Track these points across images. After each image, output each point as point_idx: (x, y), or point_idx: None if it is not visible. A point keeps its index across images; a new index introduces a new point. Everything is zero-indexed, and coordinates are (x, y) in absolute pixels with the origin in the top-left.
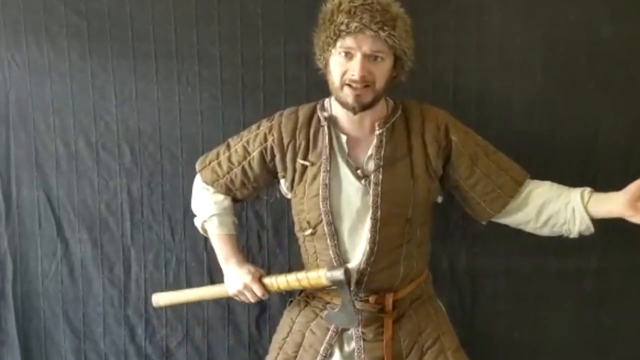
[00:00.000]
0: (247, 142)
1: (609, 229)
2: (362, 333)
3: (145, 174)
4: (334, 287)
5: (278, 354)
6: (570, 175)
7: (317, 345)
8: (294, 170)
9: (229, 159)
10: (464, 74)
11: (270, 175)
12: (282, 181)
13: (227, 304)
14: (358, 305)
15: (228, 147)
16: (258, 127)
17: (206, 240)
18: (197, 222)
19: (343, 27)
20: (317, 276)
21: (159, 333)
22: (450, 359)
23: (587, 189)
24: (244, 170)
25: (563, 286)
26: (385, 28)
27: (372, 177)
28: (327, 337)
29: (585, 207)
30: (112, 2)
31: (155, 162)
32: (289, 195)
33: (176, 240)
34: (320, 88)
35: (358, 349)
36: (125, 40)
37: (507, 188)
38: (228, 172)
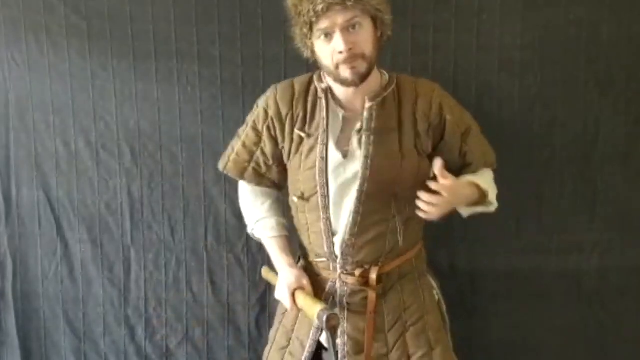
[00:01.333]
0: (254, 123)
1: (608, 229)
2: (347, 304)
3: (145, 174)
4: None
5: (279, 328)
6: (570, 175)
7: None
8: (292, 140)
9: (244, 146)
10: (463, 73)
11: (281, 152)
12: (281, 149)
13: (227, 303)
14: (343, 277)
15: (239, 136)
16: (257, 106)
17: (206, 240)
18: (248, 230)
19: (312, 14)
20: (313, 308)
21: (159, 333)
22: (431, 339)
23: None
24: (262, 151)
25: (563, 286)
26: None
27: (362, 148)
28: None
29: None
30: (112, 2)
31: (155, 162)
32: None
33: (176, 240)
34: None
35: (341, 318)
36: (125, 40)
37: (477, 164)
38: (250, 159)
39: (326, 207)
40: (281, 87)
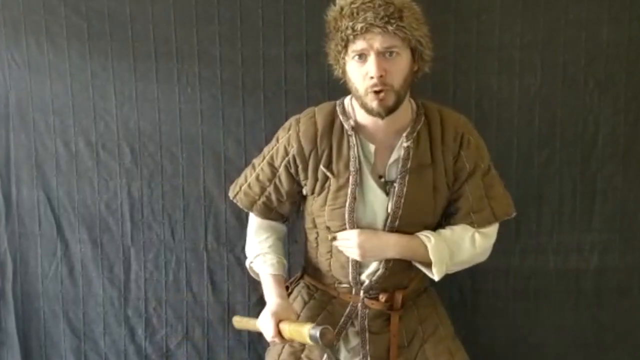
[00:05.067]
0: (271, 158)
1: (608, 229)
2: (368, 326)
3: (145, 174)
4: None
5: (284, 347)
6: (569, 175)
7: None
8: (316, 178)
9: (258, 179)
10: (463, 73)
11: (298, 186)
12: (303, 186)
13: (227, 303)
14: (367, 302)
15: (253, 167)
16: (277, 140)
17: (206, 240)
18: (247, 263)
19: (349, 31)
20: (302, 333)
21: (159, 333)
22: (450, 346)
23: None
24: (276, 187)
25: (563, 285)
26: (392, 21)
27: (396, 187)
28: (335, 332)
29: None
30: (112, 2)
31: (155, 162)
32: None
33: (176, 240)
34: (320, 88)
35: (363, 340)
36: (125, 40)
37: (480, 218)
38: (262, 193)
39: None
40: (304, 123)
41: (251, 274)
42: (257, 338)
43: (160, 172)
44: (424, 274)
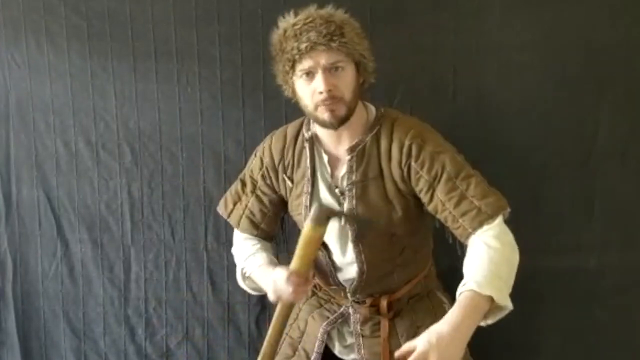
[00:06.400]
0: (251, 171)
1: (607, 229)
2: (360, 329)
3: (145, 174)
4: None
5: (285, 338)
6: (568, 175)
7: (316, 331)
8: (285, 188)
9: (244, 191)
10: (463, 74)
11: (278, 196)
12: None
13: (227, 303)
14: (355, 306)
15: (240, 182)
16: (255, 154)
17: (206, 240)
18: (238, 276)
19: (295, 52)
20: (306, 228)
21: (159, 333)
22: None
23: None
24: (258, 198)
25: (561, 285)
26: (334, 38)
27: (346, 200)
28: (324, 324)
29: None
30: (112, 2)
31: (155, 162)
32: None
33: (176, 240)
34: None
35: (357, 344)
36: (125, 40)
37: (468, 219)
38: (246, 205)
39: (326, 248)
40: (276, 136)
41: (244, 285)
42: (257, 338)
43: (160, 172)
44: (422, 279)
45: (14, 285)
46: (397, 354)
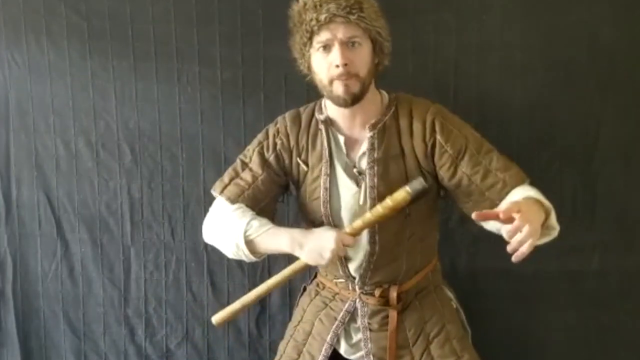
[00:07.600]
0: (262, 148)
1: (609, 231)
2: (368, 323)
3: (145, 174)
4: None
5: (289, 340)
6: (570, 176)
7: (324, 334)
8: (298, 172)
9: (251, 170)
10: (464, 73)
11: (285, 179)
12: (290, 181)
13: (227, 303)
14: (363, 298)
15: (242, 162)
16: (266, 134)
17: None
18: (235, 244)
19: (314, 23)
20: (400, 193)
21: (159, 333)
22: (456, 347)
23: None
24: (269, 176)
25: (563, 287)
26: (354, 11)
27: (367, 179)
28: (334, 327)
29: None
30: (112, 2)
31: (155, 162)
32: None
33: (176, 240)
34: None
35: (365, 339)
36: (125, 40)
37: (495, 191)
38: (253, 182)
39: None
40: (290, 119)
41: (244, 254)
42: (257, 338)
43: (160, 172)
44: (430, 273)
45: (14, 286)
46: (502, 214)
